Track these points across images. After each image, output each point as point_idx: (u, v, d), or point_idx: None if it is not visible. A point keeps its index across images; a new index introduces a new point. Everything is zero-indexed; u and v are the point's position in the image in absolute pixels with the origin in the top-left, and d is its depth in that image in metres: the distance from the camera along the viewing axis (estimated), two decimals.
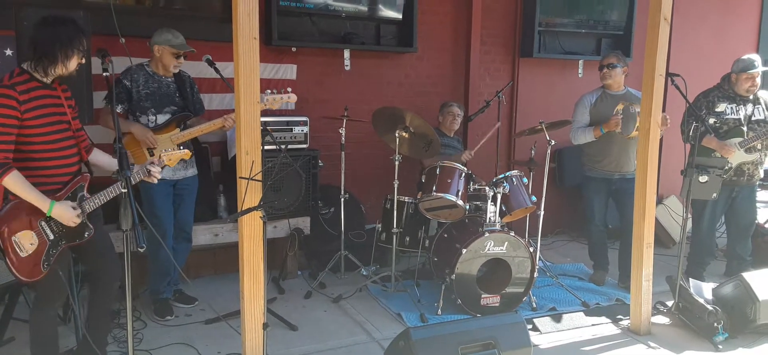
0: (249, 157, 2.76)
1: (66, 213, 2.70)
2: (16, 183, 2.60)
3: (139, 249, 2.30)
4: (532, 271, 4.24)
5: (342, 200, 4.68)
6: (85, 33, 2.79)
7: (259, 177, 2.69)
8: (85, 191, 2.83)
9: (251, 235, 2.80)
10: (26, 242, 2.68)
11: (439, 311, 4.16)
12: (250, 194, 2.68)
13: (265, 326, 2.81)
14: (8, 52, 3.99)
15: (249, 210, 2.62)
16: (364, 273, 4.78)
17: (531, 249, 4.24)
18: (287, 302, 4.35)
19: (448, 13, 5.71)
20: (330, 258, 4.76)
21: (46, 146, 2.72)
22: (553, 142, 4.42)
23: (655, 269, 4.02)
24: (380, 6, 5.28)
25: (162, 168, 2.95)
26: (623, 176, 4.72)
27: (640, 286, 3.97)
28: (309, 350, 3.68)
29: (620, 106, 4.60)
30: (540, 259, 4.94)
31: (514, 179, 4.45)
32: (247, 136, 2.77)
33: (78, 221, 2.74)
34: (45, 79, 2.76)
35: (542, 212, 4.59)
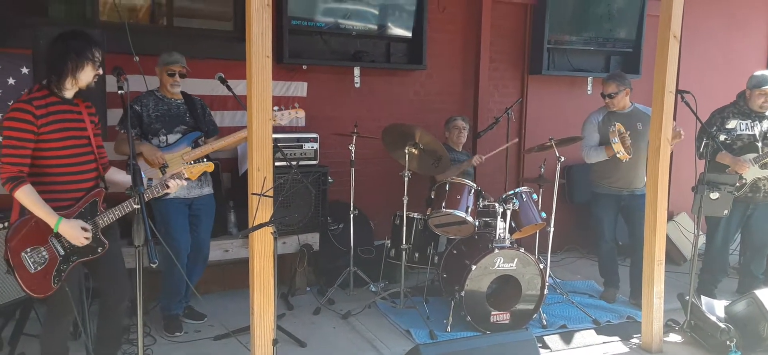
0: (260, 173, 2.78)
1: (73, 231, 2.68)
2: (27, 197, 2.62)
3: (152, 265, 2.32)
4: (542, 288, 4.22)
5: (351, 216, 4.70)
6: (97, 44, 2.79)
7: (271, 193, 2.71)
8: (99, 207, 2.83)
9: (262, 251, 2.81)
10: (36, 257, 2.69)
11: (449, 328, 4.14)
12: (261, 210, 2.71)
13: (274, 342, 2.82)
14: (24, 70, 4.08)
15: (260, 226, 2.64)
16: (373, 289, 4.78)
17: (541, 266, 4.22)
18: (296, 319, 4.35)
19: (457, 31, 5.75)
20: (339, 274, 4.76)
21: (62, 161, 2.74)
22: (562, 159, 4.42)
23: (666, 286, 4.00)
24: (390, 24, 5.33)
25: (185, 181, 2.95)
26: (632, 193, 4.71)
27: (651, 303, 3.94)
28: None
29: (618, 127, 4.52)
30: (550, 276, 4.92)
31: (523, 195, 4.46)
32: (259, 152, 2.80)
33: (85, 241, 2.72)
34: (64, 95, 2.78)
35: (552, 229, 4.58)
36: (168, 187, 2.87)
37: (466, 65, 5.84)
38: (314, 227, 4.75)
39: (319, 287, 4.87)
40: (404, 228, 4.47)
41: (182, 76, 3.94)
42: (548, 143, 4.53)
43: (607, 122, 4.71)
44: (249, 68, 2.77)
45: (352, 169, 4.65)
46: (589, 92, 6.26)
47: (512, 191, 4.45)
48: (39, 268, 2.70)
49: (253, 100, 2.77)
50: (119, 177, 3.05)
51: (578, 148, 4.83)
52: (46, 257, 2.71)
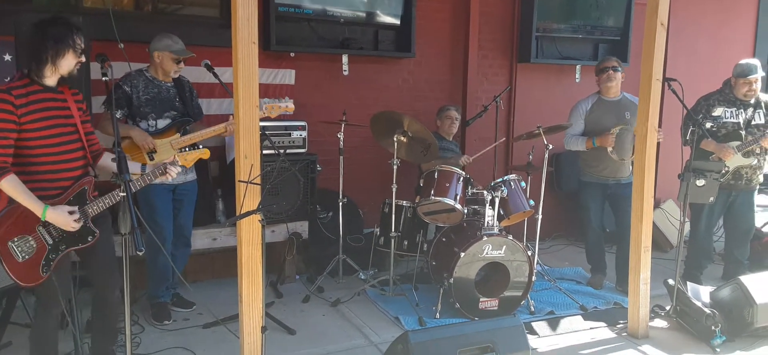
0: (248, 161, 2.76)
1: (60, 217, 2.65)
2: (11, 187, 2.59)
3: (138, 253, 2.30)
4: (530, 274, 4.25)
5: (340, 204, 4.69)
6: (78, 30, 2.74)
7: (259, 181, 2.70)
8: (89, 195, 2.80)
9: (250, 238, 2.80)
10: (24, 246, 2.66)
11: (438, 315, 4.16)
12: (248, 197, 2.69)
13: (263, 329, 2.81)
14: (7, 57, 4.00)
15: (248, 213, 2.63)
16: (362, 277, 4.78)
17: (529, 253, 4.24)
18: (285, 306, 4.35)
19: (445, 19, 5.73)
20: (328, 262, 4.76)
21: (46, 150, 2.70)
22: (550, 147, 4.44)
23: (652, 272, 4.04)
24: (378, 12, 5.31)
25: (179, 169, 2.93)
26: (618, 182, 4.75)
27: (637, 289, 3.98)
28: (307, 354, 3.68)
29: (617, 129, 4.60)
30: (538, 263, 4.96)
31: (512, 183, 4.47)
32: (246, 140, 2.78)
33: (75, 226, 2.69)
34: (45, 83, 2.74)
35: (540, 216, 4.60)
36: (166, 171, 2.85)
37: (455, 53, 5.82)
38: (303, 215, 4.74)
39: (309, 275, 4.87)
40: (393, 216, 4.47)
41: (183, 63, 3.92)
42: (536, 131, 4.54)
43: (596, 110, 4.74)
44: (235, 55, 2.74)
45: (341, 157, 4.64)
46: (577, 80, 6.29)
47: (501, 179, 4.46)
48: (27, 257, 2.68)
49: (240, 87, 2.74)
50: (111, 164, 2.99)
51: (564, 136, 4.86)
52: (34, 246, 2.69)
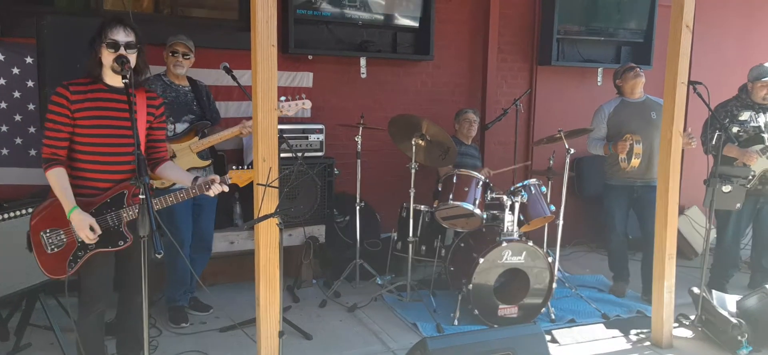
0: (266, 164, 2.74)
1: (80, 224, 2.63)
2: (54, 180, 2.63)
3: (157, 256, 2.29)
4: (551, 281, 4.17)
5: (357, 208, 4.65)
6: (111, 23, 2.67)
7: (276, 184, 2.67)
8: (127, 199, 2.75)
9: (267, 242, 2.78)
10: (55, 239, 2.69)
11: (456, 322, 4.10)
12: (266, 201, 2.67)
13: (280, 334, 2.79)
14: (28, 60, 4.05)
15: (266, 217, 2.60)
16: (380, 282, 4.74)
17: (549, 259, 4.17)
18: (302, 311, 4.32)
19: (465, 22, 5.68)
20: (345, 267, 4.72)
21: (92, 149, 2.70)
22: (572, 151, 4.37)
23: (677, 280, 3.94)
24: (397, 14, 5.27)
25: (227, 188, 2.81)
26: (647, 184, 4.64)
27: (661, 298, 3.89)
28: None
29: (628, 137, 4.51)
30: (559, 269, 4.88)
31: (532, 188, 4.40)
32: (264, 143, 2.76)
33: (89, 238, 2.64)
34: (109, 82, 2.72)
35: (561, 222, 4.52)
36: (210, 188, 2.76)
37: (474, 56, 5.77)
38: (320, 219, 4.72)
39: (325, 280, 4.84)
40: (411, 220, 4.42)
41: (185, 57, 3.87)
42: (557, 135, 4.47)
43: (620, 112, 4.66)
44: (254, 57, 2.73)
45: (359, 160, 4.61)
46: (599, 83, 6.19)
47: (520, 184, 4.39)
48: (55, 250, 2.70)
49: (258, 89, 2.73)
50: (172, 174, 2.98)
51: (587, 140, 4.78)
52: (65, 240, 2.70)
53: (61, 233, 2.70)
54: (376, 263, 4.82)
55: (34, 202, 3.29)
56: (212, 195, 2.81)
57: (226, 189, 2.81)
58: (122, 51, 2.66)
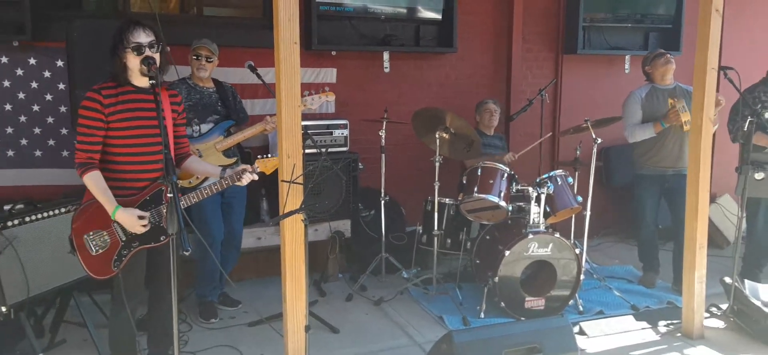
0: (290, 160, 2.77)
1: (129, 219, 2.69)
2: (92, 183, 2.68)
3: (184, 253, 2.33)
4: (579, 273, 4.13)
5: (382, 202, 4.67)
6: (132, 25, 2.71)
7: (301, 180, 2.70)
8: (165, 196, 2.77)
9: (293, 238, 2.81)
10: (99, 240, 2.74)
11: (482, 314, 4.10)
12: (291, 197, 2.70)
13: (307, 328, 2.82)
14: (59, 63, 4.15)
15: (290, 213, 2.63)
16: (405, 276, 4.75)
17: (577, 251, 4.13)
18: (329, 305, 4.36)
19: (488, 13, 5.64)
20: (371, 261, 4.75)
21: (127, 150, 2.76)
22: (599, 140, 4.31)
23: (708, 270, 3.87)
24: (420, 7, 5.26)
25: (256, 176, 2.87)
26: (678, 172, 4.54)
27: (692, 288, 3.82)
28: (350, 353, 3.68)
29: (671, 102, 4.43)
30: (587, 261, 4.83)
31: (558, 179, 4.36)
32: (288, 140, 2.79)
33: (142, 229, 2.72)
34: (135, 83, 2.77)
35: (588, 213, 4.48)
36: (241, 178, 2.82)
37: (498, 46, 5.72)
38: (346, 213, 4.74)
39: (352, 274, 4.87)
40: (436, 214, 4.42)
41: (208, 60, 3.92)
42: (584, 125, 4.41)
43: (651, 98, 4.59)
44: (277, 55, 2.76)
45: (383, 155, 4.62)
46: (627, 71, 6.08)
47: (546, 175, 4.35)
48: (100, 251, 2.75)
49: (282, 87, 2.75)
50: (199, 167, 3.06)
51: (616, 129, 4.70)
52: (108, 241, 2.76)
53: (105, 234, 2.76)
54: (402, 257, 4.83)
55: (67, 202, 3.37)
56: (244, 184, 2.86)
57: (256, 177, 2.86)
58: (147, 52, 2.71)
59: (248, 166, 2.85)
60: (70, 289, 3.49)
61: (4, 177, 4.21)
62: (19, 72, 4.17)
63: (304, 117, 4.38)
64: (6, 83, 4.16)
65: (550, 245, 4.07)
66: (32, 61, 4.18)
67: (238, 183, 2.84)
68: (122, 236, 2.77)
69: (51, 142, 4.29)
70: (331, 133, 4.68)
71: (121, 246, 2.78)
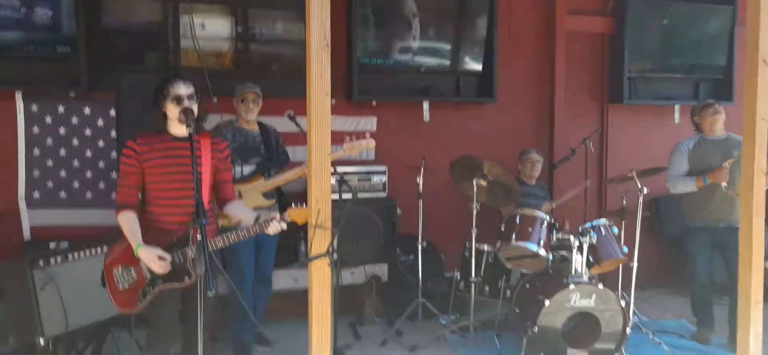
0: (318, 205, 2.81)
1: (148, 256, 2.80)
2: (123, 222, 2.85)
3: (209, 293, 2.39)
4: (625, 326, 3.97)
5: (419, 247, 4.66)
6: (173, 79, 2.90)
7: (327, 225, 2.73)
8: (192, 238, 2.87)
9: (320, 282, 2.83)
10: (126, 276, 2.87)
11: None
12: (319, 241, 2.73)
13: None
14: (112, 112, 4.41)
15: (317, 256, 2.66)
16: (443, 322, 4.68)
17: (623, 303, 3.98)
18: (363, 349, 4.34)
19: (529, 63, 5.67)
20: (408, 305, 4.71)
21: (160, 194, 2.91)
22: (645, 191, 4.19)
23: (766, 326, 3.63)
24: (459, 59, 5.33)
25: (285, 225, 2.94)
26: (730, 225, 4.33)
27: (747, 346, 3.59)
28: None
29: (729, 162, 4.28)
30: (635, 313, 4.63)
31: (602, 229, 4.26)
32: (317, 186, 2.83)
33: (160, 269, 2.82)
34: (174, 132, 2.94)
35: (636, 264, 4.32)
36: (268, 227, 2.90)
37: (541, 96, 5.71)
38: (383, 258, 4.76)
39: (388, 318, 4.83)
40: (473, 260, 4.36)
41: (254, 102, 4.08)
42: (629, 174, 4.30)
43: (699, 149, 4.45)
44: (309, 106, 2.85)
45: (420, 201, 4.63)
46: (676, 121, 5.92)
47: (589, 224, 4.25)
48: (127, 286, 2.87)
49: (313, 136, 2.82)
50: (238, 212, 3.13)
51: (665, 180, 4.56)
52: (135, 277, 2.88)
53: (132, 270, 2.88)
54: (440, 303, 4.78)
55: (112, 241, 3.52)
56: (271, 233, 2.91)
57: (285, 227, 2.92)
58: (186, 103, 2.87)
59: (277, 215, 2.92)
60: (108, 324, 3.60)
61: (56, 216, 4.48)
62: (75, 120, 4.47)
63: (344, 163, 4.48)
64: (62, 131, 4.46)
65: (593, 296, 3.94)
66: (87, 110, 4.48)
67: (266, 231, 2.90)
68: (147, 273, 2.88)
69: (101, 185, 4.54)
70: (370, 179, 4.74)
71: (147, 283, 2.89)
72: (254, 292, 4.16)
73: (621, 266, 4.42)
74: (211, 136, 3.07)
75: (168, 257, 2.84)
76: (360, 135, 5.12)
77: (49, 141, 4.45)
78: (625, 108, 5.78)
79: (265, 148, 4.16)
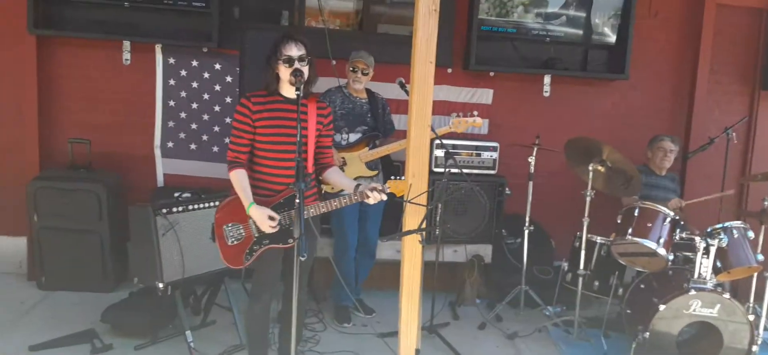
0: (416, 179, 2.76)
1: (260, 216, 2.87)
2: (235, 180, 2.94)
3: (301, 258, 2.44)
4: (751, 343, 3.56)
5: (526, 231, 4.45)
6: (285, 39, 2.90)
7: (422, 200, 2.67)
8: (296, 201, 2.86)
9: (411, 258, 2.79)
10: (235, 232, 2.98)
11: None
12: (412, 216, 2.69)
13: (416, 352, 2.77)
14: (238, 69, 4.59)
15: (406, 233, 2.62)
16: (547, 313, 4.46)
17: (752, 317, 3.56)
18: (460, 330, 4.26)
19: (670, 39, 5.15)
20: (510, 290, 4.54)
21: (268, 154, 2.97)
22: None
23: None
24: (591, 30, 4.94)
25: (385, 196, 2.89)
26: None
27: None
28: None
29: None
30: (766, 330, 4.13)
31: (735, 232, 3.81)
32: (415, 158, 2.78)
33: (270, 229, 2.88)
34: (284, 94, 2.99)
35: None
36: (368, 197, 2.87)
37: (680, 76, 5.18)
38: (488, 238, 4.61)
39: (489, 301, 4.71)
40: (583, 252, 4.10)
41: (364, 73, 4.07)
42: None
43: None
44: (412, 74, 2.77)
45: (530, 182, 4.41)
46: None
47: (720, 225, 3.81)
48: (235, 242, 2.98)
49: (414, 106, 2.76)
50: (336, 178, 3.15)
51: None
52: (243, 234, 2.98)
53: (241, 227, 2.99)
54: (545, 292, 4.56)
55: (227, 195, 3.71)
56: (371, 202, 2.88)
57: (385, 197, 2.87)
58: (297, 65, 2.89)
59: (378, 186, 2.88)
60: (222, 275, 3.82)
61: (185, 167, 4.81)
62: (206, 75, 4.73)
63: (454, 136, 4.36)
64: (194, 85, 4.74)
65: (717, 306, 3.58)
66: (217, 66, 4.72)
67: (366, 200, 2.87)
68: (255, 232, 2.96)
69: (227, 140, 4.76)
70: (480, 155, 4.58)
71: (254, 242, 2.98)
72: (358, 261, 4.22)
73: (755, 275, 3.93)
74: (317, 101, 3.09)
75: (277, 217, 2.91)
76: (473, 108, 4.97)
77: (183, 94, 4.75)
78: None
79: (372, 117, 4.15)
